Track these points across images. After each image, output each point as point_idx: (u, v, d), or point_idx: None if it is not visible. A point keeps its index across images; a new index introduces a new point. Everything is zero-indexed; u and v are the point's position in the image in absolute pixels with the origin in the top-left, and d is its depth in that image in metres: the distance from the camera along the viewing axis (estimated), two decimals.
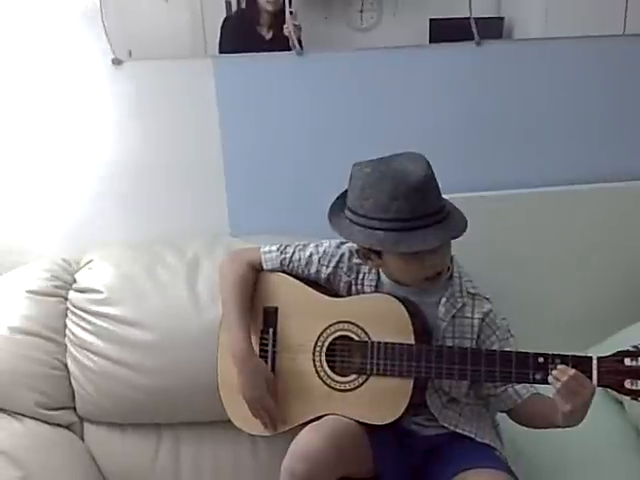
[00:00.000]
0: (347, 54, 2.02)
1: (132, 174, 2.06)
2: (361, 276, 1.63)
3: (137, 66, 1.99)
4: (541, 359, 1.40)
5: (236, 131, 2.05)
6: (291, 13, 1.96)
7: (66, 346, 1.84)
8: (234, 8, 1.99)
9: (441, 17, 2.03)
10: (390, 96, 2.04)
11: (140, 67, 1.99)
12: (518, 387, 1.53)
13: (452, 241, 1.52)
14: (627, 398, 1.37)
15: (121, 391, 1.80)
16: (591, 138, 2.12)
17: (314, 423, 1.50)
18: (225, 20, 2.00)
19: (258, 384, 1.58)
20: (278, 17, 1.98)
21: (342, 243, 1.66)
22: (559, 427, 1.42)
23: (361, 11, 2.01)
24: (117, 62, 1.98)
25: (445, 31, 2.03)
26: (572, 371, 1.34)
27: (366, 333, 1.55)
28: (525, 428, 1.58)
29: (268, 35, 2.02)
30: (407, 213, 1.42)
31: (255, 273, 1.67)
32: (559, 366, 1.36)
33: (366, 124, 2.05)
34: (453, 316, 1.56)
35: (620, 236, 2.12)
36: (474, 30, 2.01)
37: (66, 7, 1.93)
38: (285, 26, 1.98)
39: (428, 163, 1.47)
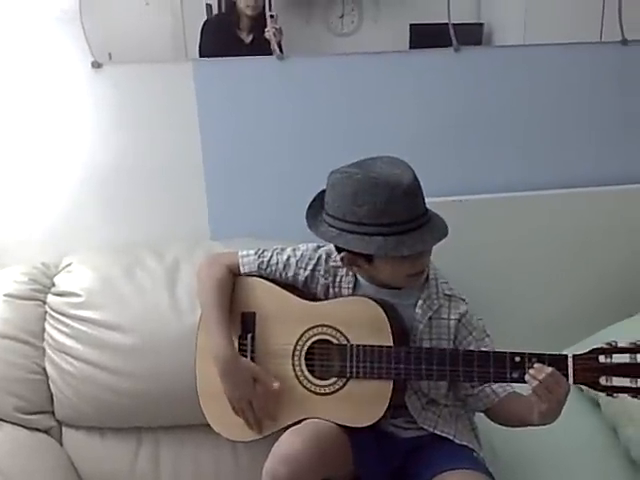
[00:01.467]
0: (328, 59, 2.03)
1: (112, 178, 2.06)
2: (338, 279, 1.64)
3: (117, 69, 1.98)
4: (518, 358, 1.42)
5: (216, 135, 2.05)
6: (272, 17, 1.97)
7: (44, 350, 1.83)
8: (215, 11, 2.00)
9: (421, 22, 2.04)
10: (371, 101, 2.06)
11: (120, 70, 1.99)
12: (495, 386, 1.55)
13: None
14: (602, 394, 1.39)
15: (100, 395, 1.79)
16: (570, 143, 2.15)
17: (295, 427, 1.51)
18: (205, 23, 2.00)
19: (244, 382, 1.57)
20: (258, 21, 1.99)
21: (319, 246, 1.67)
22: (534, 425, 1.44)
23: (342, 16, 2.02)
24: (97, 65, 1.97)
25: (425, 36, 2.05)
26: (548, 369, 1.36)
27: (345, 336, 1.56)
28: (502, 430, 1.60)
29: (248, 39, 2.03)
30: (402, 216, 1.44)
31: (233, 277, 1.67)
32: (535, 365, 1.38)
33: (347, 129, 2.07)
34: (430, 317, 1.58)
35: (601, 239, 2.15)
36: (452, 37, 2.03)
37: (45, 9, 1.92)
38: (266, 29, 1.98)
39: (409, 165, 1.49)
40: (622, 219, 2.14)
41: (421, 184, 1.49)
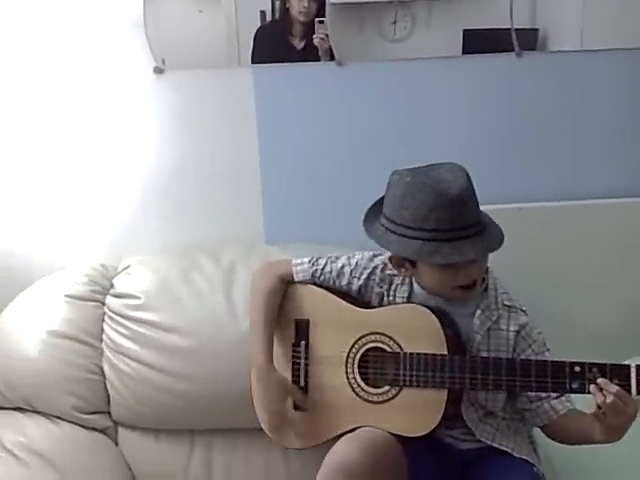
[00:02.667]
0: (384, 64, 2.02)
1: (171, 182, 2.09)
2: (393, 287, 1.62)
3: (178, 75, 2.01)
4: (577, 368, 1.38)
5: (274, 140, 2.06)
6: (321, 22, 1.98)
7: (103, 351, 1.86)
8: (268, 18, 2.01)
9: (475, 27, 2.02)
10: (427, 106, 2.04)
11: (181, 76, 2.01)
12: (554, 402, 1.51)
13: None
14: None
15: (156, 396, 1.81)
16: (630, 151, 2.09)
17: (349, 434, 1.50)
18: (258, 30, 2.02)
19: (274, 398, 1.57)
20: (310, 27, 2.00)
21: (375, 256, 1.65)
22: (598, 443, 1.40)
23: (394, 22, 2.01)
24: (158, 71, 2.01)
25: (479, 42, 2.03)
26: (614, 388, 1.32)
27: (398, 344, 1.54)
28: (563, 446, 1.56)
29: (300, 45, 2.03)
30: (446, 224, 1.41)
31: (285, 286, 1.67)
32: (599, 380, 1.34)
33: (403, 135, 2.05)
34: (488, 329, 1.54)
35: None
36: (514, 41, 1.99)
37: (111, 16, 1.96)
38: (315, 35, 1.99)
39: (468, 175, 1.46)
40: None
41: (476, 194, 1.46)
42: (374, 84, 2.03)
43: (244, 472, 1.83)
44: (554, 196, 2.09)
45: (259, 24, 2.01)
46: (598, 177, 2.10)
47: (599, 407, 1.33)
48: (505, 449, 1.54)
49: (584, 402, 1.47)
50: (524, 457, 1.54)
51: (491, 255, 1.53)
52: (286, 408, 1.59)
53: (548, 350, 1.55)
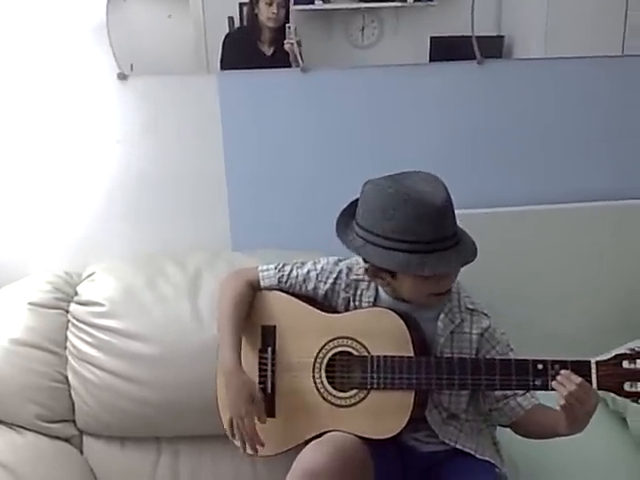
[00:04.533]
0: (350, 71, 2.04)
1: (135, 188, 2.08)
2: (359, 292, 1.63)
3: (142, 81, 2.01)
4: (540, 365, 1.42)
5: (239, 146, 2.07)
6: (289, 28, 1.99)
7: (67, 359, 1.84)
8: (237, 24, 2.01)
9: (442, 35, 2.04)
10: (393, 113, 2.06)
11: (145, 82, 2.01)
12: (520, 399, 1.54)
13: None
14: (628, 401, 1.39)
15: (122, 404, 1.80)
16: (593, 156, 2.14)
17: (317, 440, 1.50)
18: (227, 36, 2.02)
19: (242, 402, 1.56)
20: (279, 33, 2.01)
21: (340, 260, 1.67)
22: (562, 436, 1.43)
23: (362, 29, 2.03)
24: (122, 77, 2.00)
25: (446, 49, 2.05)
26: (577, 379, 1.36)
27: (365, 348, 1.55)
28: (524, 444, 1.59)
29: (269, 51, 2.04)
30: (430, 236, 1.42)
31: (253, 292, 1.68)
32: (562, 372, 1.37)
33: (369, 141, 2.07)
34: (452, 332, 1.56)
35: (621, 253, 2.13)
36: (476, 49, 2.03)
37: (73, 22, 1.95)
38: (285, 41, 2.00)
39: (444, 185, 1.48)
40: None
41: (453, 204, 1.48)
42: (339, 91, 2.05)
43: (211, 479, 1.82)
44: (521, 201, 2.12)
45: (227, 30, 2.01)
46: (564, 182, 2.14)
47: (564, 399, 1.36)
48: (468, 451, 1.56)
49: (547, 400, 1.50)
50: (487, 458, 1.56)
51: None
52: (248, 411, 1.56)
53: (512, 350, 1.58)
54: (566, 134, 2.12)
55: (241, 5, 1.99)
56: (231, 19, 2.00)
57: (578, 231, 2.13)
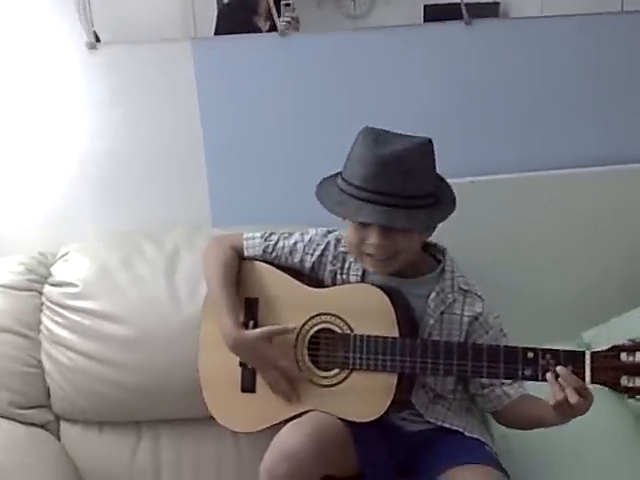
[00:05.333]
0: (333, 35, 1.95)
1: (109, 163, 1.99)
2: (347, 265, 1.56)
3: (112, 50, 1.91)
4: (530, 354, 1.34)
5: (217, 117, 1.98)
6: (287, 5, 1.90)
7: (40, 342, 1.77)
8: None
9: (435, 2, 1.96)
10: (377, 79, 1.97)
11: (115, 51, 1.91)
12: (507, 388, 1.48)
13: (438, 231, 1.47)
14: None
15: (98, 388, 1.74)
16: (586, 121, 2.05)
17: (296, 420, 1.44)
18: (220, 10, 1.92)
19: (260, 354, 1.50)
20: (276, 7, 1.90)
21: (329, 232, 1.60)
22: (550, 426, 1.39)
23: None
24: (91, 46, 1.90)
25: (440, 16, 1.97)
26: (578, 382, 1.28)
27: (349, 325, 1.49)
28: None
29: (265, 26, 1.94)
30: (361, 181, 1.37)
31: (238, 258, 1.60)
32: (558, 368, 1.30)
33: (354, 107, 1.97)
34: (442, 312, 1.50)
35: (616, 220, 2.05)
36: (464, 12, 1.94)
37: None
38: (281, 19, 1.90)
39: (425, 151, 1.40)
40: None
41: (426, 174, 1.41)
42: (320, 55, 1.96)
43: (194, 462, 1.76)
44: (508, 168, 2.03)
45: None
46: (554, 148, 2.06)
47: (558, 400, 1.29)
48: (457, 429, 1.51)
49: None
50: (476, 436, 1.51)
51: (443, 230, 1.49)
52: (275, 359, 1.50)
53: (504, 336, 1.52)
54: (559, 97, 2.03)
55: None
56: None
57: (571, 198, 2.04)
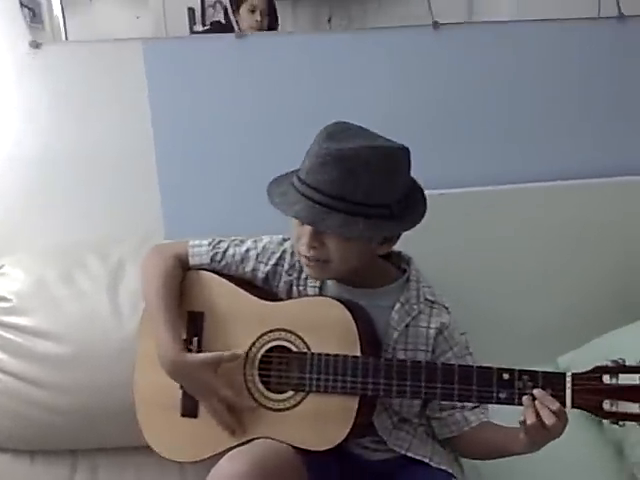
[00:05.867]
0: (291, 36, 1.85)
1: (54, 171, 1.86)
2: (304, 275, 1.44)
3: (58, 49, 1.79)
4: (506, 375, 1.22)
5: (170, 122, 1.85)
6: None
7: None
8: (197, 16, 1.85)
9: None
10: (338, 83, 1.87)
11: (61, 51, 1.80)
12: (468, 413, 1.37)
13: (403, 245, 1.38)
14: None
15: (29, 413, 1.60)
16: (563, 130, 1.96)
17: (237, 449, 1.30)
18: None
19: (201, 380, 1.35)
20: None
21: (284, 240, 1.48)
22: (515, 455, 1.28)
23: (329, 20, 1.87)
24: (35, 45, 1.78)
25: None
26: (556, 405, 1.18)
27: (305, 343, 1.35)
28: None
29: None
30: (304, 174, 1.28)
31: (182, 269, 1.47)
32: (535, 391, 1.19)
33: (314, 113, 1.82)
34: (407, 325, 1.38)
35: (596, 236, 1.95)
36: (429, 10, 1.85)
37: None
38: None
39: (386, 153, 1.27)
40: (620, 213, 1.94)
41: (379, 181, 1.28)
42: (279, 58, 1.85)
43: None
44: (475, 181, 1.93)
45: (187, 22, 1.84)
46: (524, 161, 1.96)
47: (528, 425, 1.18)
48: (421, 459, 1.38)
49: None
50: (443, 467, 1.38)
51: (409, 244, 1.40)
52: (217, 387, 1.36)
53: (470, 354, 1.40)
54: (534, 106, 1.94)
55: None
56: (191, 10, 1.85)
57: (546, 214, 1.94)
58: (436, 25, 1.85)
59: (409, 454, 1.38)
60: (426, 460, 1.38)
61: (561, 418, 1.18)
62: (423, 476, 1.36)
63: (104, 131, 1.84)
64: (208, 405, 1.37)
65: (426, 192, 1.80)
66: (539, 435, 1.19)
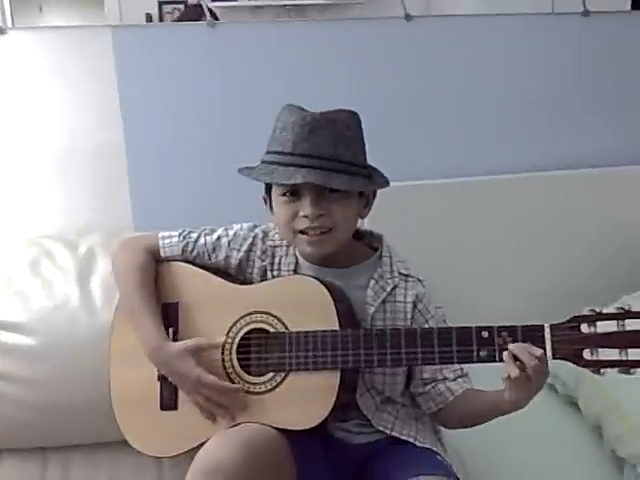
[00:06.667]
0: (263, 25, 1.85)
1: (19, 163, 1.82)
2: (277, 260, 1.42)
3: (24, 36, 1.75)
4: (485, 333, 1.21)
5: (140, 112, 1.84)
6: None
7: None
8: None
9: None
10: (310, 72, 1.87)
11: (27, 37, 1.75)
12: (450, 383, 1.36)
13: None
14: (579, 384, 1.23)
15: None
16: (525, 122, 1.99)
17: (220, 433, 1.26)
18: None
19: (187, 370, 1.31)
20: None
21: (255, 226, 1.46)
22: (503, 415, 1.26)
23: None
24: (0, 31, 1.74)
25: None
26: (538, 351, 1.17)
27: (283, 323, 1.33)
28: (469, 433, 1.39)
29: None
30: (290, 147, 1.27)
31: (154, 261, 1.44)
32: (511, 346, 1.18)
33: (284, 102, 1.84)
34: (383, 300, 1.37)
35: (559, 225, 1.99)
36: (403, 4, 1.87)
37: None
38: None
39: (354, 117, 1.32)
40: (583, 202, 1.98)
41: (358, 140, 1.32)
42: (251, 47, 1.85)
43: None
44: (448, 173, 1.94)
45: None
46: (491, 152, 1.99)
47: (510, 377, 1.17)
48: (406, 438, 1.36)
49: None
50: (427, 446, 1.36)
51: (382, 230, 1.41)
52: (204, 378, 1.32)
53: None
54: (496, 99, 1.97)
55: (160, 3, 1.87)
56: (149, 16, 1.86)
57: (509, 203, 1.97)
58: (409, 17, 1.86)
59: (394, 434, 1.35)
60: (411, 439, 1.35)
61: (543, 364, 1.17)
62: (408, 455, 1.33)
63: (72, 122, 1.82)
64: (193, 393, 1.33)
65: (403, 183, 1.82)
66: (523, 389, 1.17)
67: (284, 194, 1.31)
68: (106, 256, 1.64)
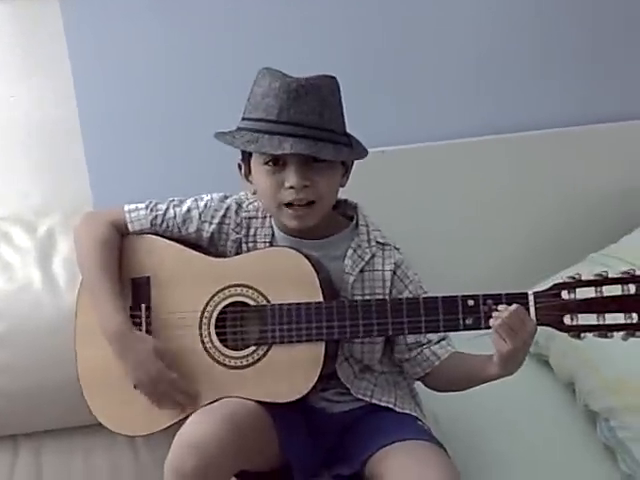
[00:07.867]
0: None
1: None
2: (252, 232, 1.39)
3: None
4: (471, 302, 1.23)
5: (93, 83, 1.76)
6: None
7: None
8: None
9: None
10: (271, 30, 1.81)
11: None
12: (435, 347, 1.36)
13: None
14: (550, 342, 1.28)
15: None
16: (494, 86, 1.96)
17: (201, 409, 1.25)
18: None
19: (150, 360, 1.29)
20: None
21: (227, 197, 1.42)
22: (491, 380, 1.26)
23: None
24: None
25: None
26: (513, 306, 1.18)
27: (264, 296, 1.30)
28: (445, 398, 1.41)
29: None
30: (273, 114, 1.24)
31: (119, 235, 1.39)
32: (500, 307, 1.19)
33: (245, 69, 1.78)
34: (362, 270, 1.36)
35: (530, 187, 2.00)
36: None
37: None
38: None
39: (334, 81, 1.29)
40: (555, 164, 1.98)
41: (338, 105, 1.29)
42: (208, 9, 1.77)
43: (83, 476, 1.53)
44: (417, 138, 1.93)
45: None
46: (462, 116, 1.96)
47: (496, 331, 1.18)
48: (386, 404, 1.36)
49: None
50: (407, 411, 1.37)
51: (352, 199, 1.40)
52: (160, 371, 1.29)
53: (425, 293, 1.39)
54: (462, 63, 1.93)
55: None
56: None
57: (479, 167, 1.97)
58: None
59: (374, 401, 1.36)
60: (390, 405, 1.36)
61: (528, 325, 1.18)
62: (389, 421, 1.34)
63: (23, 96, 1.74)
64: (154, 386, 1.30)
65: (375, 149, 1.78)
66: (509, 340, 1.17)
67: (267, 162, 1.28)
68: (67, 236, 1.59)
